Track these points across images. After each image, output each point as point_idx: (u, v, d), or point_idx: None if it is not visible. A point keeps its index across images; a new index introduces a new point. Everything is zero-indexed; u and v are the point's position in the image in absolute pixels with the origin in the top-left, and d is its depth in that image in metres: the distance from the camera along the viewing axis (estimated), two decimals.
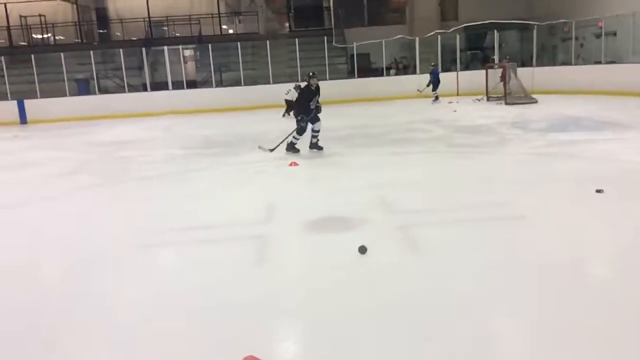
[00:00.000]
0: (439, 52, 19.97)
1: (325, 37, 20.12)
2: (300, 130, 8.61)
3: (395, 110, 15.49)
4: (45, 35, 24.59)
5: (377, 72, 21.11)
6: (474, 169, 7.04)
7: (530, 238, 4.22)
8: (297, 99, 8.57)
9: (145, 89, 20.14)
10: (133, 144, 11.76)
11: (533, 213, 4.83)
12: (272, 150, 8.63)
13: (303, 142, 8.84)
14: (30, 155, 11.07)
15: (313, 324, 3.05)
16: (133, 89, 20.04)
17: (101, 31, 25.53)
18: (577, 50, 18.86)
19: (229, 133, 12.62)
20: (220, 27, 24.50)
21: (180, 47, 20.91)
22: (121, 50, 19.72)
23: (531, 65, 18.35)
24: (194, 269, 4.01)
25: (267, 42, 19.74)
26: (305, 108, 8.52)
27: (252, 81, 19.80)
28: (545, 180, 6.06)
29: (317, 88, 8.61)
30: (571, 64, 18.29)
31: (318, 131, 8.78)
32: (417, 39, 19.88)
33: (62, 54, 19.29)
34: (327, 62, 19.83)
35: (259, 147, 8.72)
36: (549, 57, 21.29)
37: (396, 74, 21.32)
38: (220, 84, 20.68)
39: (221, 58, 20.60)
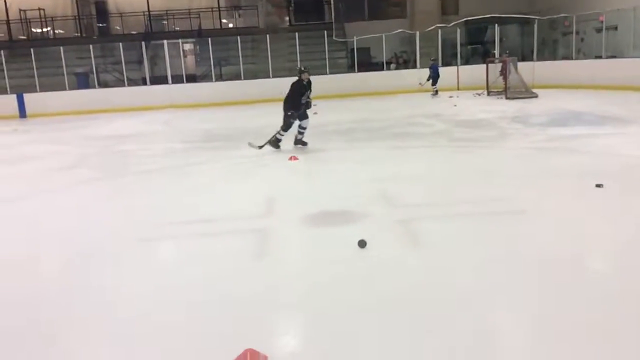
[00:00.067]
0: (440, 47, 19.94)
1: (326, 31, 20.07)
2: (287, 127, 8.53)
3: (395, 105, 15.46)
4: (44, 29, 24.54)
5: (378, 67, 21.05)
6: (474, 163, 7.03)
7: (530, 232, 4.21)
8: (288, 93, 8.49)
9: (144, 83, 20.09)
10: (132, 137, 11.74)
11: (533, 207, 4.82)
12: (261, 147, 8.50)
13: (286, 139, 8.65)
14: (29, 149, 11.04)
15: (313, 318, 3.05)
16: (133, 82, 20.01)
17: (101, 25, 25.44)
18: (578, 45, 18.80)
19: (229, 127, 12.60)
20: (220, 21, 24.45)
21: (180, 41, 20.85)
22: (121, 44, 19.72)
23: (532, 60, 18.34)
24: (194, 262, 4.00)
25: (267, 36, 19.70)
26: (295, 103, 8.43)
27: (252, 75, 19.77)
28: (546, 174, 6.05)
29: (309, 83, 8.55)
30: (572, 59, 18.26)
31: (305, 128, 8.70)
32: (417, 33, 19.82)
33: (61, 47, 19.24)
34: (327, 57, 19.80)
35: (249, 144, 8.64)
36: (549, 51, 21.22)
37: (396, 69, 21.26)
38: (220, 78, 20.62)
39: (221, 52, 20.57)
